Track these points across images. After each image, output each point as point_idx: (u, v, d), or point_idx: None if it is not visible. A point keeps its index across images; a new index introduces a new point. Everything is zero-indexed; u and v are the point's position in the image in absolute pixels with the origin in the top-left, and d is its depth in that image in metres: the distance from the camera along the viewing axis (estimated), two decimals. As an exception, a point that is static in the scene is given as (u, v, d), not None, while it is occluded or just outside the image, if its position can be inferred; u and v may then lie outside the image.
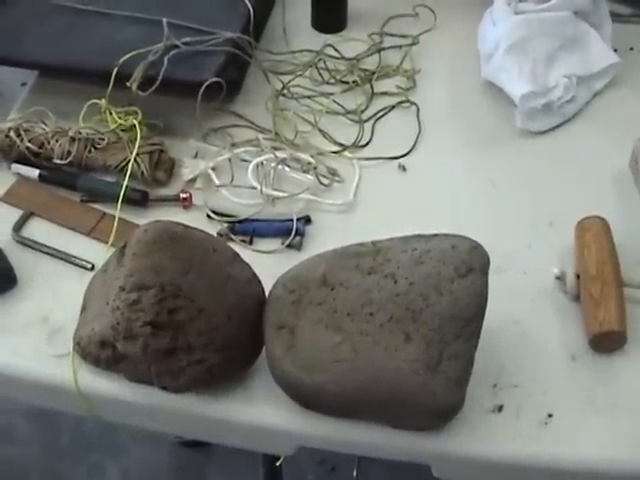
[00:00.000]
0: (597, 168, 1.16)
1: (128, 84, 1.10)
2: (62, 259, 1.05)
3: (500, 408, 0.92)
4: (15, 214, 1.10)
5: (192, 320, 0.85)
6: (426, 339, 0.84)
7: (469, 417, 0.90)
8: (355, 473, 1.53)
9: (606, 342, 0.96)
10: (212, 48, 1.14)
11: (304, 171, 1.13)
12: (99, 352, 0.91)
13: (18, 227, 1.08)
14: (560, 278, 1.02)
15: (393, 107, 1.24)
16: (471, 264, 0.87)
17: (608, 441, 0.90)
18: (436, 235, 0.90)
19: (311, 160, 1.14)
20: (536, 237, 1.08)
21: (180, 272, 0.85)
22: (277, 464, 1.45)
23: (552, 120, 1.21)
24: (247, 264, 0.92)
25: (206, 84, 1.10)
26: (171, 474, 1.88)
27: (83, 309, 0.96)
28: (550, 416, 0.92)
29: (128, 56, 1.10)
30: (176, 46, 1.13)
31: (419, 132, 1.20)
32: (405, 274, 0.86)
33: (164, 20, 1.14)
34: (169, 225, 0.88)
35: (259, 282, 0.92)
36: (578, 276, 1.01)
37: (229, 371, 0.91)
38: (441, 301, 0.85)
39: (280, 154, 1.13)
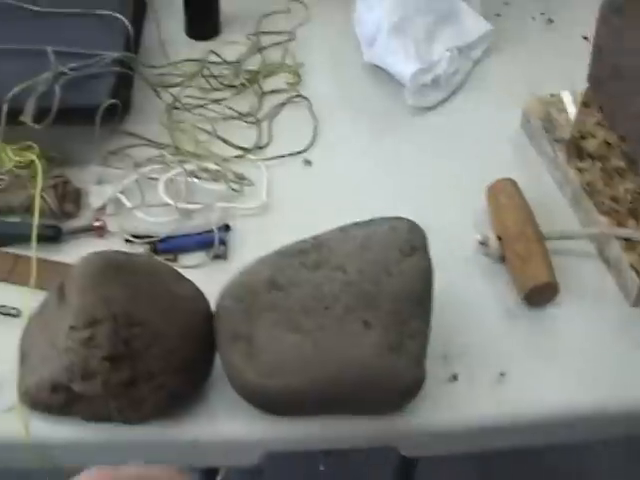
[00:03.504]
0: (492, 133, 1.19)
1: (22, 118, 1.06)
2: (-16, 311, 1.00)
3: (455, 377, 0.95)
4: None
5: (149, 346, 0.83)
6: (384, 322, 0.85)
7: (428, 392, 0.91)
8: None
9: (539, 296, 1.00)
10: (100, 70, 1.11)
11: (213, 180, 1.12)
12: (50, 398, 0.87)
13: None
14: (483, 243, 1.05)
15: (285, 104, 1.24)
16: (414, 243, 0.89)
17: (562, 386, 0.94)
18: (372, 220, 0.91)
19: (218, 168, 1.13)
20: (448, 208, 1.10)
21: (129, 299, 0.83)
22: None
23: (440, 94, 1.24)
24: (190, 280, 0.91)
25: (103, 107, 1.07)
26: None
27: (23, 358, 0.91)
28: (502, 375, 0.95)
29: (17, 89, 1.05)
30: (64, 73, 1.09)
31: (315, 124, 1.21)
32: (352, 263, 0.87)
33: (49, 48, 1.10)
34: (110, 254, 0.86)
35: (204, 297, 0.91)
36: (499, 238, 1.04)
37: (189, 391, 0.90)
38: (392, 283, 0.86)
39: (187, 167, 1.11)
